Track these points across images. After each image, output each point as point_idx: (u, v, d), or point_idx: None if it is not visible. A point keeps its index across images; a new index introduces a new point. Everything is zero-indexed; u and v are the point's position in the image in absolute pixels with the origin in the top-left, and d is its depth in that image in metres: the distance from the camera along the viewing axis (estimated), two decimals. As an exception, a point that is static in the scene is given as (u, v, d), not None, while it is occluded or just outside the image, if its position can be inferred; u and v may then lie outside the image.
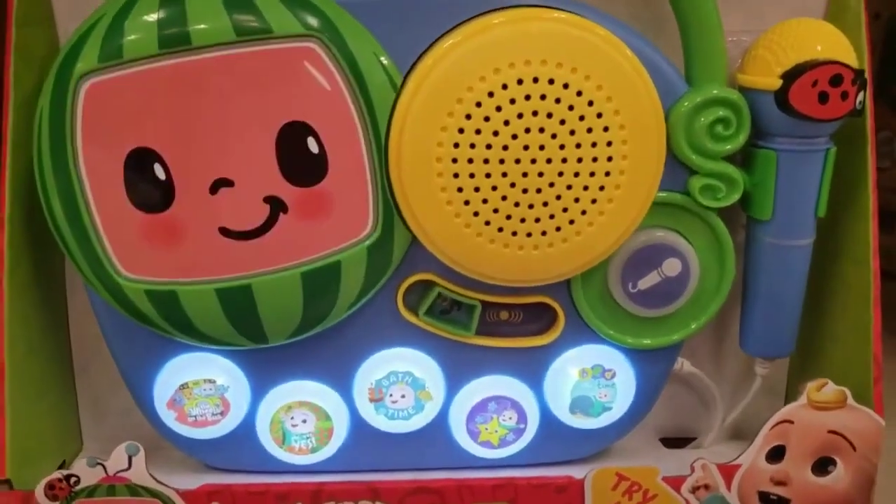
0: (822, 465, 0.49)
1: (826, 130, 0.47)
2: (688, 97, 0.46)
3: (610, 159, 0.43)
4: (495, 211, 0.44)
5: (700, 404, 0.57)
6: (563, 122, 0.42)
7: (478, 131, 0.42)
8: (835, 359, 0.53)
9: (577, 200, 0.44)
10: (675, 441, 0.57)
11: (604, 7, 0.45)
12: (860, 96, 0.46)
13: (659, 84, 0.44)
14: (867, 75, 0.47)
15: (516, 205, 0.44)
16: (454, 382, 0.50)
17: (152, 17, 0.42)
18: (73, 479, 0.46)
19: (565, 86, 0.42)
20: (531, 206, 0.44)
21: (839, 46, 0.46)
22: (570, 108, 0.42)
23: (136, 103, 0.42)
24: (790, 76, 0.45)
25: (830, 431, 0.48)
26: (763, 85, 0.46)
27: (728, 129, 0.46)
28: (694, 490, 0.49)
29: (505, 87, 0.42)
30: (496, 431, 0.51)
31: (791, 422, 0.48)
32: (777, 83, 0.46)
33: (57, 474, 0.46)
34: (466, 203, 0.43)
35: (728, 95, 0.46)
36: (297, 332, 0.47)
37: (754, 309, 0.51)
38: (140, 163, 0.43)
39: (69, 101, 0.42)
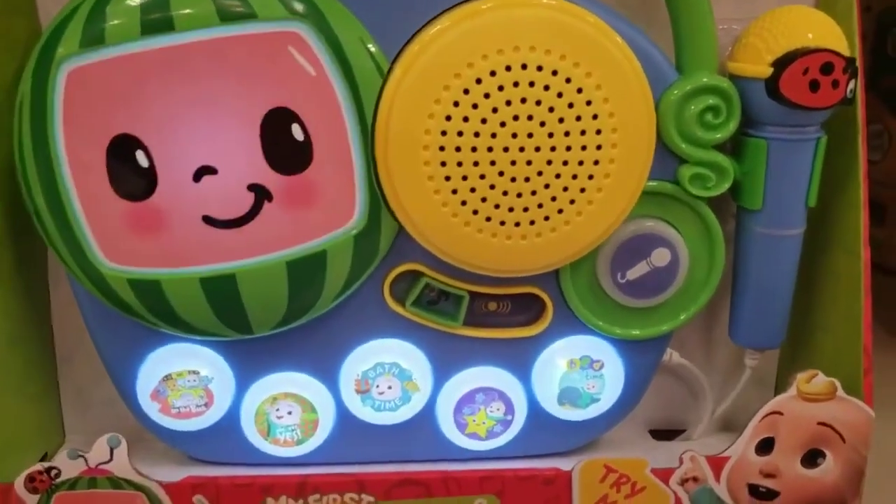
0: (812, 458, 0.48)
1: (817, 119, 0.47)
2: (678, 85, 0.45)
3: (599, 148, 0.43)
4: (483, 200, 0.43)
5: (689, 396, 0.57)
6: (551, 109, 0.42)
7: (465, 119, 0.42)
8: (825, 350, 0.52)
9: (565, 189, 0.43)
10: (664, 433, 0.57)
11: (593, -6, 0.45)
12: (851, 84, 0.46)
13: (649, 72, 0.44)
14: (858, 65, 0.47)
15: (504, 193, 0.43)
16: (441, 373, 0.50)
17: (135, 1, 0.41)
18: (54, 472, 0.46)
19: (554, 73, 0.41)
20: (520, 195, 0.43)
21: (830, 34, 0.45)
22: (559, 95, 0.42)
23: (119, 89, 0.42)
24: (781, 64, 0.45)
25: (820, 423, 0.48)
26: (753, 73, 0.46)
27: (718, 118, 0.46)
28: (682, 482, 0.48)
29: (493, 73, 0.41)
30: (483, 423, 0.50)
31: (780, 413, 0.48)
32: (767, 71, 0.45)
33: (38, 466, 0.46)
34: (454, 192, 0.43)
35: (718, 83, 0.46)
36: (283, 322, 0.46)
37: (744, 299, 0.51)
38: (122, 150, 0.42)
39: (50, 87, 0.42)
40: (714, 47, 0.46)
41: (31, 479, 0.46)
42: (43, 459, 0.52)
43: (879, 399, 0.49)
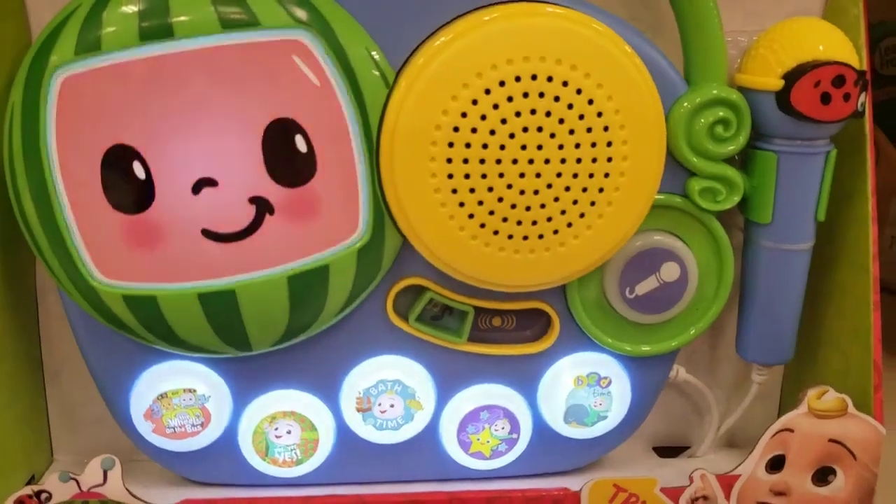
0: (823, 475, 0.48)
1: (827, 132, 0.46)
2: (687, 97, 0.45)
3: (610, 160, 0.42)
4: (491, 213, 0.42)
5: (693, 412, 0.56)
6: (561, 121, 0.41)
7: (474, 130, 0.41)
8: (833, 365, 0.52)
9: (575, 202, 0.43)
10: (667, 450, 0.56)
11: (601, 5, 0.44)
12: (862, 97, 0.45)
13: (658, 83, 0.43)
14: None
15: (513, 207, 0.42)
16: (445, 391, 0.49)
17: (133, 7, 0.40)
18: (43, 496, 0.44)
19: (564, 83, 0.41)
20: (528, 209, 0.42)
21: (841, 47, 0.45)
22: (570, 106, 0.41)
23: (115, 98, 0.40)
24: (792, 76, 0.44)
25: (831, 440, 0.47)
26: (764, 85, 0.45)
27: (728, 131, 0.45)
28: (692, 501, 0.47)
29: (502, 83, 0.40)
30: (488, 442, 0.49)
31: (791, 430, 0.47)
32: (779, 83, 0.45)
33: (26, 490, 0.44)
34: (461, 204, 0.42)
35: (728, 95, 0.45)
36: (283, 338, 0.45)
37: (752, 314, 0.50)
38: (118, 161, 0.41)
39: (43, 96, 0.40)
40: (724, 58, 0.46)
41: (20, 503, 0.44)
42: (30, 481, 0.50)
43: (890, 416, 0.48)
